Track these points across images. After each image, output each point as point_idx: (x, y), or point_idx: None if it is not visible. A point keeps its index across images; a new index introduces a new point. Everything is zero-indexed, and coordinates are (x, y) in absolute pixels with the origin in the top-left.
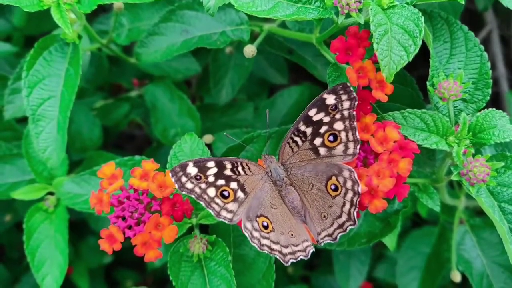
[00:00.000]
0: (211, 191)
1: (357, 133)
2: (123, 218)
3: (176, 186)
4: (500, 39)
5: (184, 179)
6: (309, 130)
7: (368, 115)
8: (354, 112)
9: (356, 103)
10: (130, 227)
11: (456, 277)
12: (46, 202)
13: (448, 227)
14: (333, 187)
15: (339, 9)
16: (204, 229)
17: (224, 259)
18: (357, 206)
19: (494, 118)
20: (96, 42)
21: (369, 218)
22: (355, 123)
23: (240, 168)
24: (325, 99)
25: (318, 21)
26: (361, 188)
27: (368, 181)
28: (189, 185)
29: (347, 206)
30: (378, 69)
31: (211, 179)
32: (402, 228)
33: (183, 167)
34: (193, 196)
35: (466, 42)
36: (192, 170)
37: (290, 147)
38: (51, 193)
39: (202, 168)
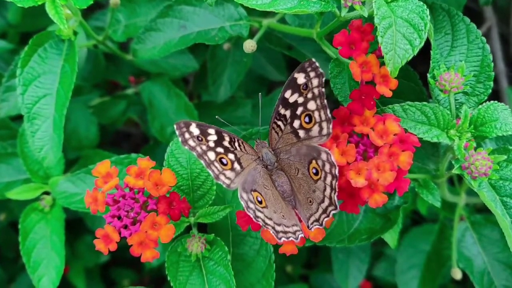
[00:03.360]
0: (211, 155)
1: (328, 112)
2: (119, 218)
3: (180, 139)
4: (499, 36)
5: (187, 135)
6: (288, 113)
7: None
8: (323, 89)
9: (324, 79)
10: (126, 227)
11: (457, 275)
12: (42, 202)
13: (448, 225)
14: (314, 171)
15: (342, 2)
16: (203, 228)
17: (223, 258)
18: (337, 189)
19: (496, 111)
20: (92, 38)
21: (369, 214)
22: (325, 101)
23: (237, 144)
24: (296, 78)
25: (319, 15)
26: (337, 170)
27: (368, 174)
28: (191, 143)
29: (328, 190)
30: (382, 64)
31: (211, 144)
32: (402, 225)
33: (187, 124)
34: (194, 153)
35: (468, 34)
36: (195, 130)
37: (276, 132)
38: (47, 193)
39: (204, 132)
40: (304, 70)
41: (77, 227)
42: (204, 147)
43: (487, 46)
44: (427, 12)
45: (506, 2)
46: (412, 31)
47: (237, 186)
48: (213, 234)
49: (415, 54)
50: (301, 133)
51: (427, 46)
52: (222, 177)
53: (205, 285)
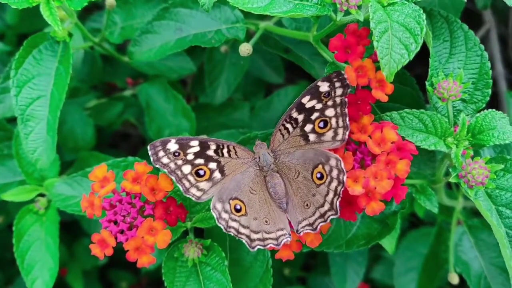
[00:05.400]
0: (186, 168)
1: (347, 119)
2: (115, 222)
3: (152, 159)
4: (498, 38)
5: (161, 153)
6: (300, 117)
7: (366, 115)
8: (346, 99)
9: (349, 90)
10: (122, 232)
11: (454, 279)
12: (36, 204)
13: (445, 228)
14: (318, 175)
15: (338, 5)
16: (199, 233)
17: (220, 264)
18: (341, 196)
19: (493, 119)
20: (89, 40)
21: (366, 220)
22: (346, 109)
23: (225, 151)
24: (319, 86)
25: (316, 19)
26: (346, 177)
27: (365, 183)
28: (164, 160)
29: (331, 195)
30: (378, 68)
31: (190, 157)
32: (400, 230)
33: (164, 142)
34: (165, 170)
35: (466, 41)
36: (172, 146)
37: (282, 134)
38: (42, 195)
39: (184, 146)
40: (329, 80)
41: (75, 229)
42: (179, 162)
43: (485, 54)
44: (423, 16)
45: (505, 3)
46: (408, 35)
47: (209, 197)
48: (210, 240)
49: (411, 59)
50: (312, 137)
51: (424, 48)
52: (193, 190)
53: None
